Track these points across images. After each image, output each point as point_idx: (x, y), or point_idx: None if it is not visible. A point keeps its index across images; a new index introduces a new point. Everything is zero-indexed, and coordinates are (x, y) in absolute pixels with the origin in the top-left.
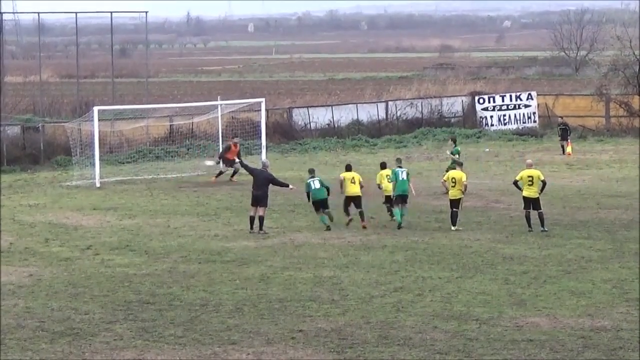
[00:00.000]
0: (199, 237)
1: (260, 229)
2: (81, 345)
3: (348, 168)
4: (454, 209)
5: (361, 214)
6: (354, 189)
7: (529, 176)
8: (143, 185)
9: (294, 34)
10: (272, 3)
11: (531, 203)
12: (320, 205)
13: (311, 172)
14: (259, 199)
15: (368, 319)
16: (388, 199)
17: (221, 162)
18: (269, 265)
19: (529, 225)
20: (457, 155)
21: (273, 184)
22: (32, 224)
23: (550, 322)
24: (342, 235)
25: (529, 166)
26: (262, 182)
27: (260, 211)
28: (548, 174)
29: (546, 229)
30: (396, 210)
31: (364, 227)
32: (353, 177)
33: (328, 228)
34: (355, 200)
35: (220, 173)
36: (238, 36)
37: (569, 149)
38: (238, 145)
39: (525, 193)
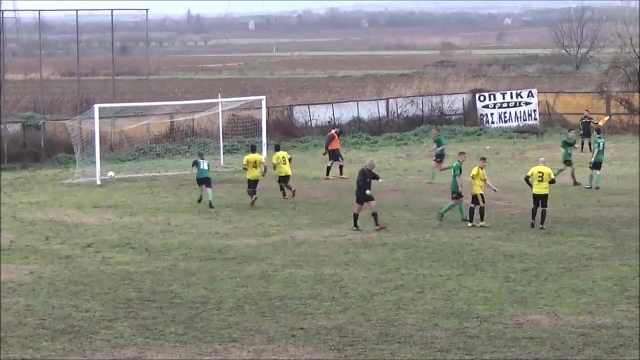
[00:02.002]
0: (200, 234)
1: (376, 224)
2: (82, 343)
3: (253, 149)
4: (471, 204)
5: (254, 193)
6: (254, 173)
7: (539, 172)
8: (144, 183)
9: (295, 31)
10: (273, 1)
11: (539, 199)
12: (203, 182)
13: (200, 154)
14: (357, 197)
15: (369, 317)
16: (281, 179)
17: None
18: (269, 262)
19: (533, 218)
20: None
21: (373, 178)
22: (33, 221)
23: (550, 320)
24: (342, 232)
25: (542, 163)
26: (358, 180)
27: (370, 207)
28: None
29: (544, 227)
30: (450, 204)
31: (252, 205)
32: (255, 161)
33: (199, 201)
34: (255, 182)
35: (329, 169)
36: (239, 34)
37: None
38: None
39: (535, 190)
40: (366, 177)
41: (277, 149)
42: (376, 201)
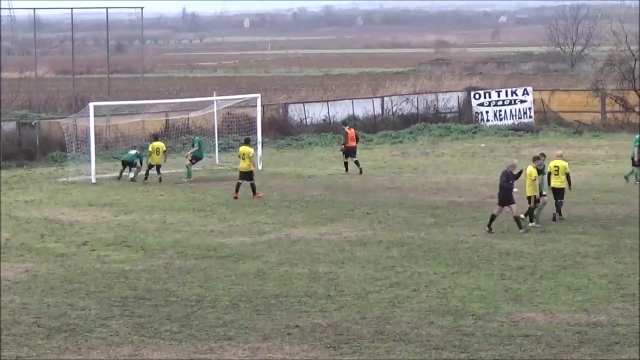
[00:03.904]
0: (195, 232)
1: (520, 228)
2: (77, 341)
3: (246, 142)
4: (530, 205)
5: (251, 186)
6: (242, 165)
7: (555, 166)
8: (139, 181)
9: (290, 29)
10: None
11: (556, 192)
12: (127, 164)
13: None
14: (499, 199)
15: (364, 315)
16: (151, 166)
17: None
18: (264, 260)
19: (559, 213)
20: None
21: (511, 179)
22: (28, 219)
23: (546, 318)
24: (338, 231)
25: (558, 157)
26: (500, 181)
27: (511, 210)
28: None
29: (562, 217)
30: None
31: (235, 198)
32: (243, 153)
33: (118, 178)
34: (246, 175)
35: (348, 165)
36: (234, 32)
37: None
38: (351, 129)
39: (552, 184)
40: (509, 178)
41: (156, 138)
42: (374, 199)
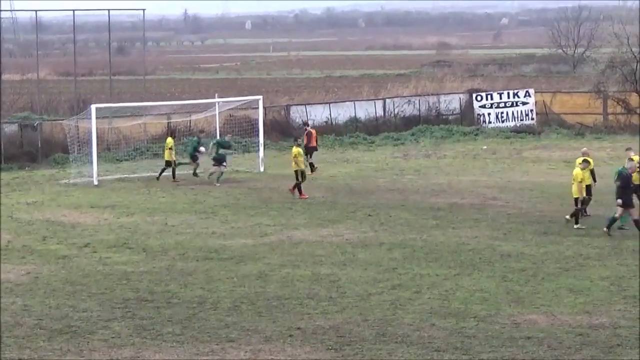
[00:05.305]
0: (197, 234)
1: None
2: (79, 343)
3: (295, 140)
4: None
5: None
6: (293, 165)
7: (580, 164)
8: (141, 183)
9: (292, 31)
10: (269, 1)
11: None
12: (195, 157)
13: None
14: (623, 202)
15: (366, 317)
16: (166, 163)
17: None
18: (266, 262)
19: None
20: None
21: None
22: (30, 221)
23: (548, 320)
24: (339, 232)
25: (583, 155)
26: (622, 184)
27: (634, 214)
28: (546, 171)
29: (588, 214)
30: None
31: (299, 195)
32: (292, 154)
33: (195, 175)
34: (295, 173)
35: (311, 165)
36: (235, 34)
37: None
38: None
39: None
40: (630, 181)
41: (169, 135)
42: (376, 201)
